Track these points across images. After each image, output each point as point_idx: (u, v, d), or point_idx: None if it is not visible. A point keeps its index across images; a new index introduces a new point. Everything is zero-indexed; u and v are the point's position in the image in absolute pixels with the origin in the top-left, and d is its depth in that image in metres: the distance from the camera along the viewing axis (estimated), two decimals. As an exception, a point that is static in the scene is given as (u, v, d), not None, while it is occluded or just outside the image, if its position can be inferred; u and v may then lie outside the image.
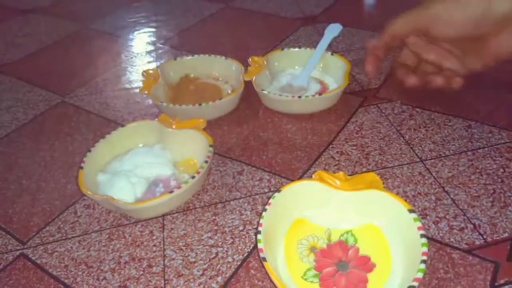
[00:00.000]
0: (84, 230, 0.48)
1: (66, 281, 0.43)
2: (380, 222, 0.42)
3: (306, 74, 0.66)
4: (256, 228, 0.46)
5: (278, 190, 0.43)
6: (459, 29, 0.41)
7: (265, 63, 0.66)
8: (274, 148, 0.57)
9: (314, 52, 0.68)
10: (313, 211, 0.44)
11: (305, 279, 0.40)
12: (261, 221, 0.40)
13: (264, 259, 0.37)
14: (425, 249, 0.36)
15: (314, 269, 0.40)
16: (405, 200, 0.42)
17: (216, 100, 0.59)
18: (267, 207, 0.41)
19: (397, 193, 0.48)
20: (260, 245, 0.38)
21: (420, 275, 0.34)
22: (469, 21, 0.40)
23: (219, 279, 0.41)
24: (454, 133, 0.56)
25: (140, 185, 0.50)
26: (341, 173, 0.44)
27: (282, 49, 0.69)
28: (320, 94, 0.60)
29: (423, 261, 0.35)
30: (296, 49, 0.69)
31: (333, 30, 0.70)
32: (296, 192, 0.43)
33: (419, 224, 0.38)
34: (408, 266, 0.37)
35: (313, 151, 0.55)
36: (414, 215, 0.39)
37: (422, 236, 0.37)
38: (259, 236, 0.38)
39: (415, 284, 0.33)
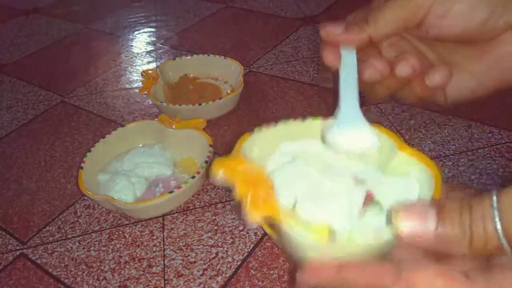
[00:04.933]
0: (84, 230, 0.48)
1: (66, 281, 0.43)
2: None
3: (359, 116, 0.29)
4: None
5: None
6: (464, 22, 0.26)
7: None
8: (274, 148, 0.57)
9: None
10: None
11: None
12: None
13: None
14: None
15: None
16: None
17: (215, 99, 0.59)
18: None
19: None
20: None
21: None
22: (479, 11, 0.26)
23: (219, 279, 0.41)
24: (454, 133, 0.56)
25: (140, 185, 0.50)
26: None
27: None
28: None
29: None
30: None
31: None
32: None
33: None
34: None
35: (313, 151, 0.55)
36: None
37: None
38: None
39: None
